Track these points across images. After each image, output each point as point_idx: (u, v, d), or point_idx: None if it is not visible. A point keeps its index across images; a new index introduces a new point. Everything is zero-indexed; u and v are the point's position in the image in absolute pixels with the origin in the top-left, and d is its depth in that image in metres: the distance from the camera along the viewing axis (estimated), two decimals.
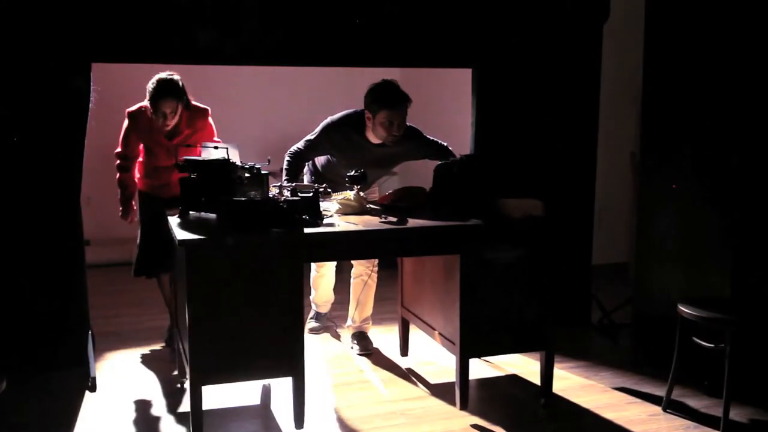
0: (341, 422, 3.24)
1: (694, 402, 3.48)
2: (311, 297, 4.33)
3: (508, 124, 4.12)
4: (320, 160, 3.98)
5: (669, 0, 4.60)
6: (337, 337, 4.34)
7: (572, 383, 3.64)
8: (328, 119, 3.80)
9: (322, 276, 4.24)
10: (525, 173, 3.72)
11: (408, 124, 3.70)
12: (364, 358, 4.02)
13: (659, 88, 4.70)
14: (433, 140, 3.88)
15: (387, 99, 3.55)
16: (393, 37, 3.86)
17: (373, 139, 3.69)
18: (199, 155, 3.55)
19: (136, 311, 4.77)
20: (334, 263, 4.28)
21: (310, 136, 3.82)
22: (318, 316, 4.41)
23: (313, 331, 4.34)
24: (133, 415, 3.29)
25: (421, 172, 5.02)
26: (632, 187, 5.46)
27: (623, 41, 4.85)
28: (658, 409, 3.42)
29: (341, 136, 3.73)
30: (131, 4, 3.48)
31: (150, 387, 3.60)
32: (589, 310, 4.53)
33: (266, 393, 3.50)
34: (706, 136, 4.38)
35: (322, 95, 5.94)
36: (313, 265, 4.21)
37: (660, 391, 3.50)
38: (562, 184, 4.15)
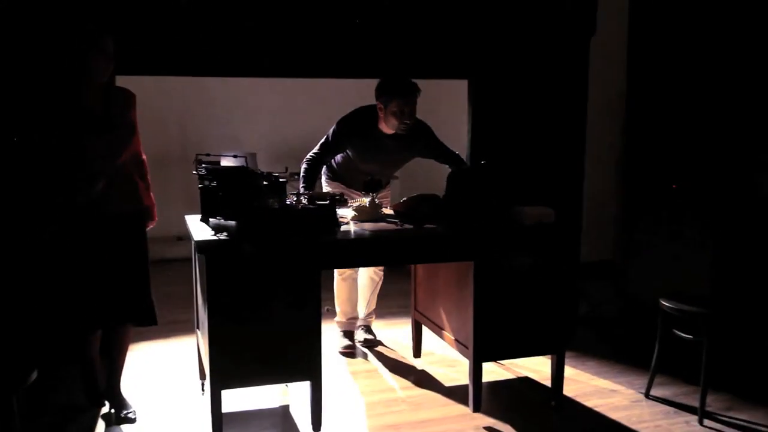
0: (346, 410, 3.25)
1: (674, 389, 3.51)
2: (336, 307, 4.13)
3: (502, 132, 4.11)
4: (336, 158, 3.86)
5: (650, 16, 4.67)
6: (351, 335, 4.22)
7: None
8: (341, 118, 3.70)
9: (341, 282, 4.03)
10: (521, 178, 3.72)
11: (419, 118, 3.64)
12: (367, 350, 4.05)
13: (642, 97, 4.76)
14: (443, 144, 3.78)
15: (397, 88, 3.48)
16: (394, 51, 3.85)
17: (386, 130, 3.59)
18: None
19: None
20: (357, 272, 4.06)
21: (324, 139, 3.70)
22: (345, 334, 4.09)
23: (345, 350, 3.99)
24: (153, 411, 3.22)
25: (424, 176, 5.06)
26: (617, 190, 5.50)
27: (609, 54, 4.88)
28: (640, 396, 3.45)
29: (356, 131, 3.64)
30: (152, 20, 3.47)
31: (171, 383, 3.55)
32: (576, 304, 4.53)
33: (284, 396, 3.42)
34: (687, 143, 4.43)
35: (331, 102, 5.96)
36: (335, 272, 4.04)
37: (642, 380, 3.53)
38: (553, 187, 4.17)
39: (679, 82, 4.58)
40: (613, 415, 3.23)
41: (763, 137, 4.15)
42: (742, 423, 3.17)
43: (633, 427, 3.13)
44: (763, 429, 3.13)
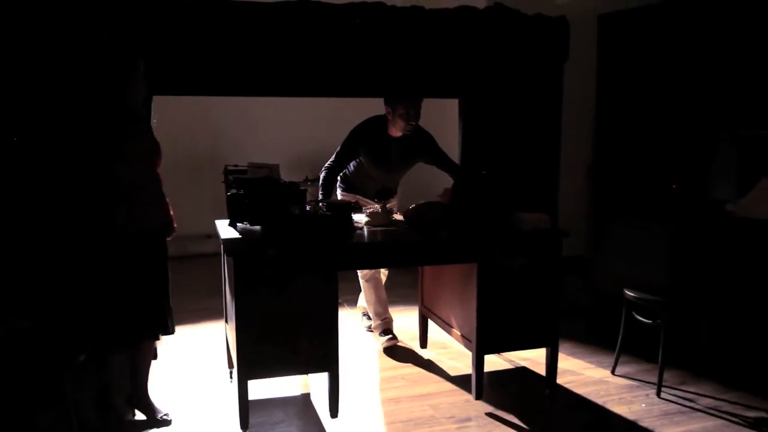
0: (361, 396, 3.28)
1: (636, 367, 3.60)
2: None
3: (489, 144, 4.18)
4: (349, 168, 3.88)
5: (615, 45, 4.80)
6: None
7: (537, 354, 3.57)
8: (354, 127, 3.74)
9: (366, 285, 3.94)
10: (509, 185, 3.75)
11: (422, 127, 3.70)
12: (371, 335, 4.11)
13: (609, 112, 4.90)
14: (443, 152, 3.81)
15: (403, 94, 3.55)
16: (396, 74, 3.95)
17: (394, 133, 3.64)
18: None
19: (181, 295, 4.34)
20: (379, 271, 3.98)
21: (339, 148, 3.71)
22: (384, 332, 3.90)
23: (389, 342, 3.83)
24: (184, 394, 3.24)
25: (422, 182, 5.16)
26: (588, 194, 5.58)
27: (580, 77, 4.95)
28: (607, 372, 3.55)
29: (368, 135, 3.67)
30: (189, 42, 3.39)
31: (200, 367, 3.57)
32: None
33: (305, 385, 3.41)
34: (650, 154, 4.56)
35: (340, 115, 5.96)
36: (359, 278, 3.98)
37: (609, 360, 3.63)
38: (532, 192, 4.25)
39: (642, 100, 4.73)
40: (583, 390, 3.33)
41: (715, 148, 4.30)
42: (692, 395, 3.30)
43: (600, 400, 3.23)
44: (709, 399, 3.25)
